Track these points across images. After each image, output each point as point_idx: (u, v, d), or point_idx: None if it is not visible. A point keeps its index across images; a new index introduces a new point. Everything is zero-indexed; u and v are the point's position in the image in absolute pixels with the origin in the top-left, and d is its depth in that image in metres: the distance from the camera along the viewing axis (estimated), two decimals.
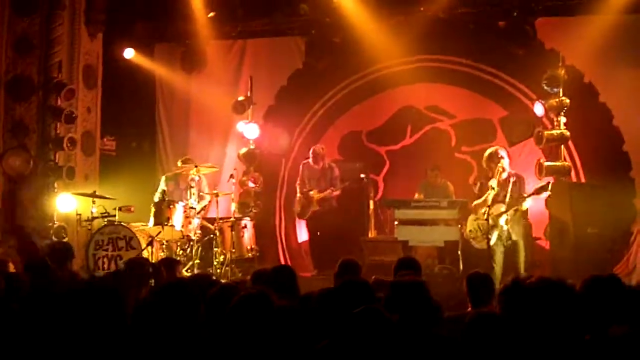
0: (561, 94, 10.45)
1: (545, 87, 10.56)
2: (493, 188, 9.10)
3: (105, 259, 9.72)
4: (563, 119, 10.45)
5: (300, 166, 11.18)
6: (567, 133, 10.42)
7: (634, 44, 10.58)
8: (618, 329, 3.50)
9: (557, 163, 10.44)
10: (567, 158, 10.74)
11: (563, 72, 10.50)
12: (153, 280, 6.33)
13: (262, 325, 3.59)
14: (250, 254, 10.55)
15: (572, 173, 10.77)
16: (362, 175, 10.96)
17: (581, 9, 10.75)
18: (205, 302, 4.36)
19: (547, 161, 10.45)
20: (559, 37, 10.97)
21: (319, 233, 11.04)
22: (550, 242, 10.33)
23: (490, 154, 9.31)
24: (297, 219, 11.76)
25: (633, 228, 10.49)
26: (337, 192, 10.92)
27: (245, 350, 3.40)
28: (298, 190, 11.14)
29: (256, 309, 3.65)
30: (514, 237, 9.10)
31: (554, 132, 10.47)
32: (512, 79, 11.39)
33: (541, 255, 10.43)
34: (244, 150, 11.75)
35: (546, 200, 10.17)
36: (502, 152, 9.29)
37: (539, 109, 10.62)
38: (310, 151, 11.04)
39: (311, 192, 10.92)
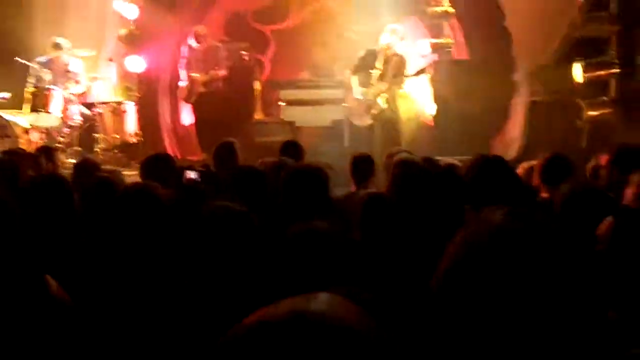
0: None
1: None
2: (377, 68, 9.09)
3: None
4: None
5: (183, 48, 10.82)
6: (452, 10, 10.46)
7: None
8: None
9: (441, 40, 10.52)
10: (451, 35, 10.81)
11: None
12: (31, 170, 6.10)
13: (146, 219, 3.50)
14: (134, 139, 10.31)
15: (455, 50, 10.86)
16: (244, 53, 10.66)
17: None
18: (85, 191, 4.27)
19: (430, 38, 10.52)
20: None
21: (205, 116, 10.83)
22: (434, 120, 10.53)
23: (393, 29, 9.21)
24: (182, 103, 11.49)
25: (512, 102, 10.79)
26: (223, 73, 10.65)
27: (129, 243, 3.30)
28: (184, 73, 10.79)
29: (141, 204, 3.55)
30: (392, 115, 9.17)
31: (438, 8, 10.48)
32: None
33: (426, 133, 10.64)
34: (123, 31, 11.25)
35: (430, 79, 10.29)
36: (400, 33, 9.21)
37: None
38: (192, 34, 10.68)
39: (196, 75, 10.60)
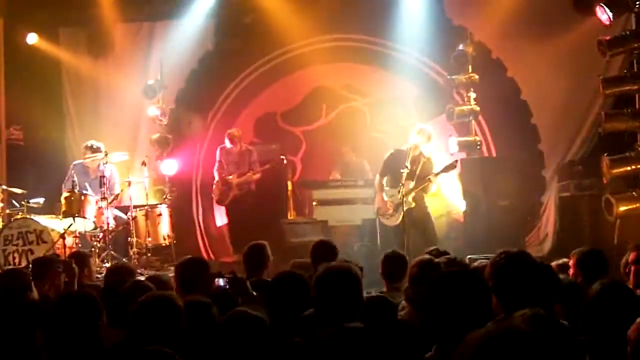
0: (470, 70, 10.64)
1: (454, 64, 10.74)
2: (406, 167, 9.14)
3: (15, 254, 9.39)
4: (473, 95, 10.64)
5: (217, 151, 11.01)
6: (477, 108, 10.64)
7: (539, 19, 10.78)
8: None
9: (468, 138, 10.65)
10: (478, 132, 10.96)
11: (471, 49, 10.70)
12: (65, 276, 6.15)
13: (164, 328, 3.55)
14: (167, 242, 10.38)
15: (483, 147, 10.99)
16: (282, 157, 10.82)
17: None
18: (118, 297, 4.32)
19: (458, 137, 10.66)
20: (466, 14, 11.14)
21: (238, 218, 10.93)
22: (464, 216, 10.56)
23: (421, 130, 9.28)
24: (214, 204, 11.64)
25: (543, 199, 10.82)
26: (257, 176, 10.80)
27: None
28: (216, 175, 10.97)
29: (158, 312, 3.61)
30: (421, 214, 9.18)
31: (464, 107, 10.66)
32: (423, 57, 11.50)
33: (457, 230, 10.66)
34: (156, 135, 11.52)
35: (459, 175, 10.38)
36: (429, 135, 9.28)
37: (450, 86, 10.78)
38: (227, 135, 10.90)
39: (230, 177, 10.77)
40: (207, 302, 3.98)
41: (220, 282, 5.13)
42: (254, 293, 5.15)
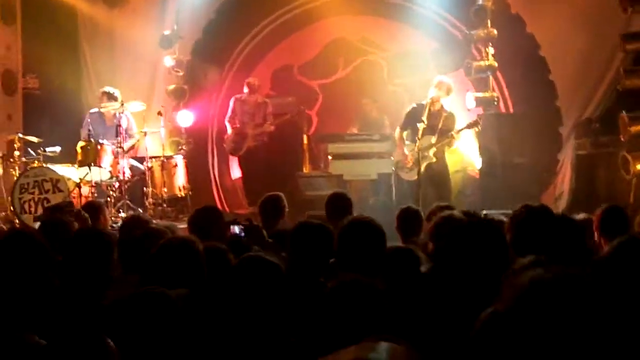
0: (489, 25, 10.51)
1: (473, 18, 10.61)
2: (422, 121, 9.12)
3: (32, 202, 9.46)
4: (491, 50, 10.53)
5: (231, 101, 11.00)
6: (495, 64, 10.53)
7: None
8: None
9: (486, 94, 10.57)
10: (496, 88, 10.87)
11: (490, 3, 10.55)
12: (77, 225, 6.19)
13: (185, 271, 3.58)
14: (182, 193, 10.43)
15: (501, 103, 10.91)
16: (302, 108, 10.78)
17: None
18: (132, 245, 4.36)
19: (475, 92, 10.58)
20: None
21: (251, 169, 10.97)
22: (479, 172, 10.54)
23: (440, 82, 9.27)
24: (229, 156, 11.67)
25: (559, 156, 10.76)
26: (272, 128, 10.82)
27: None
28: (229, 126, 10.98)
29: (179, 255, 3.63)
30: (440, 169, 9.21)
31: (482, 63, 10.55)
32: (442, 10, 11.35)
33: (472, 186, 10.65)
34: (172, 86, 11.50)
35: (475, 132, 10.34)
36: (448, 87, 9.26)
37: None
38: (245, 83, 10.87)
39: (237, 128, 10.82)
40: (223, 248, 4.00)
41: (236, 229, 5.17)
42: (270, 241, 5.19)
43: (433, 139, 9.09)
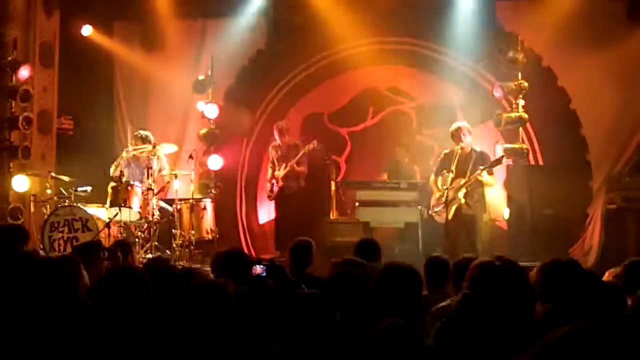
0: (520, 77, 10.56)
1: (505, 70, 10.67)
2: (452, 171, 9.20)
3: (61, 241, 9.56)
4: (522, 102, 10.56)
5: (270, 148, 11.15)
6: (526, 116, 10.54)
7: (591, 29, 10.67)
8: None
9: (515, 145, 10.57)
10: (526, 140, 10.87)
11: (522, 55, 10.61)
12: (108, 263, 6.24)
13: (213, 315, 3.57)
14: (210, 236, 10.48)
15: (530, 155, 10.89)
16: (315, 142, 10.82)
17: None
18: (160, 286, 4.36)
19: (505, 143, 10.59)
20: (518, 20, 11.08)
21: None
22: (507, 223, 10.49)
23: (452, 132, 9.38)
24: (258, 201, 11.77)
25: (589, 210, 10.68)
26: (302, 169, 10.89)
27: (194, 339, 3.37)
28: (269, 171, 11.10)
29: (208, 299, 3.63)
30: (471, 212, 9.19)
31: (513, 114, 10.57)
32: (471, 62, 11.44)
33: (500, 236, 10.58)
34: (204, 130, 11.65)
35: (504, 182, 10.34)
36: (465, 130, 9.35)
37: (497, 92, 10.71)
38: (275, 127, 11.00)
39: (276, 173, 10.90)
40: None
41: (258, 269, 5.15)
42: (293, 280, 5.17)
43: (462, 181, 9.14)
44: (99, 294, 4.15)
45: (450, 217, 9.15)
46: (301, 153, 10.73)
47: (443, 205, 9.22)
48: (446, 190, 9.11)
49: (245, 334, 3.53)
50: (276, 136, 10.94)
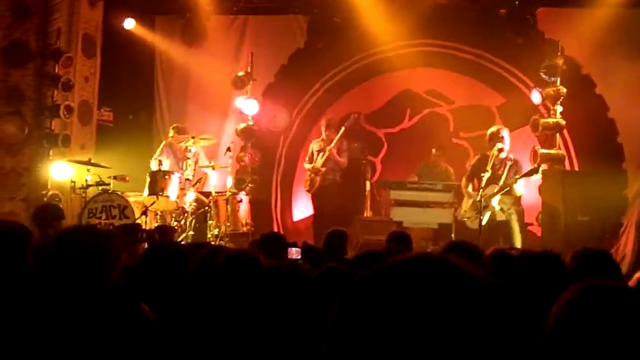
0: (558, 84, 10.58)
1: (543, 76, 10.71)
2: (487, 171, 9.25)
3: (99, 227, 9.67)
4: (559, 108, 10.60)
5: (312, 144, 11.27)
6: (563, 122, 10.57)
7: (631, 38, 10.74)
8: None
9: (552, 151, 10.59)
10: (562, 146, 10.89)
11: (561, 62, 10.65)
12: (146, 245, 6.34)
13: (247, 284, 3.63)
14: (245, 229, 10.54)
15: (566, 161, 10.91)
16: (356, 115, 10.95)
17: (582, 1, 10.85)
18: (198, 261, 4.44)
19: (542, 148, 10.60)
20: (559, 28, 11.10)
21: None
22: (541, 228, 10.48)
23: (492, 133, 9.45)
24: (293, 198, 11.86)
25: (623, 219, 10.66)
26: (343, 160, 11.00)
27: (231, 308, 3.43)
28: (307, 165, 11.21)
29: (242, 267, 3.70)
30: (506, 218, 9.22)
31: (550, 120, 10.60)
32: (510, 66, 11.49)
33: (533, 242, 10.56)
34: (242, 125, 11.72)
35: (539, 187, 10.34)
36: (504, 133, 9.45)
37: (536, 97, 10.75)
38: (323, 121, 11.21)
39: (316, 164, 10.99)
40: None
41: (293, 251, 5.21)
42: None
43: (495, 189, 9.16)
44: (139, 270, 4.24)
45: (484, 223, 9.20)
46: (340, 132, 10.81)
47: (476, 211, 9.24)
48: (479, 195, 9.12)
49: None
50: (322, 130, 11.05)
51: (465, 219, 9.58)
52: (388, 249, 5.63)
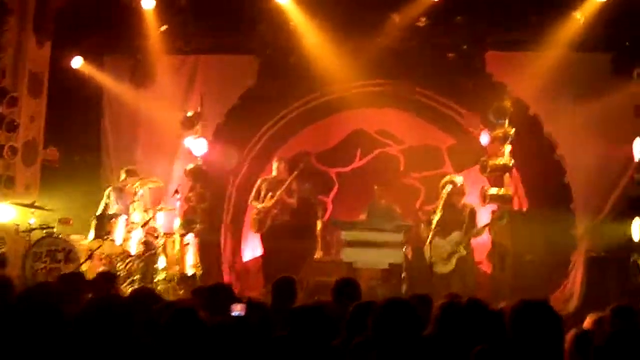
0: (507, 125, 10.69)
1: (492, 118, 10.81)
2: (438, 213, 9.36)
3: (43, 271, 9.49)
4: (508, 148, 10.69)
5: (259, 181, 11.15)
6: (510, 163, 10.68)
7: (577, 80, 10.92)
8: None
9: (500, 191, 10.66)
10: (511, 185, 10.97)
11: (509, 104, 10.78)
12: (92, 295, 6.16)
13: (189, 340, 3.57)
14: (193, 271, 10.42)
15: (516, 200, 10.99)
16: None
17: (529, 45, 11.01)
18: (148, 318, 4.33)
19: (491, 188, 10.68)
20: (507, 70, 11.25)
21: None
22: (491, 267, 10.57)
23: (461, 184, 9.73)
24: (242, 239, 11.71)
25: (572, 258, 10.74)
26: (292, 201, 10.93)
27: None
28: (256, 204, 11.07)
29: (183, 323, 3.64)
30: (470, 260, 9.87)
31: (498, 161, 10.70)
32: (460, 108, 11.60)
33: (483, 279, 10.62)
34: (190, 165, 11.60)
35: (488, 227, 10.39)
36: (459, 182, 9.70)
37: (484, 138, 10.86)
38: (276, 159, 11.19)
39: (265, 204, 10.88)
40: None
41: (238, 307, 4.96)
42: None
43: (459, 237, 9.61)
44: (82, 322, 4.10)
45: (453, 267, 9.72)
46: (292, 176, 10.80)
47: (444, 258, 9.66)
48: (429, 239, 9.31)
49: None
50: (274, 167, 10.98)
51: (434, 264, 9.64)
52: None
